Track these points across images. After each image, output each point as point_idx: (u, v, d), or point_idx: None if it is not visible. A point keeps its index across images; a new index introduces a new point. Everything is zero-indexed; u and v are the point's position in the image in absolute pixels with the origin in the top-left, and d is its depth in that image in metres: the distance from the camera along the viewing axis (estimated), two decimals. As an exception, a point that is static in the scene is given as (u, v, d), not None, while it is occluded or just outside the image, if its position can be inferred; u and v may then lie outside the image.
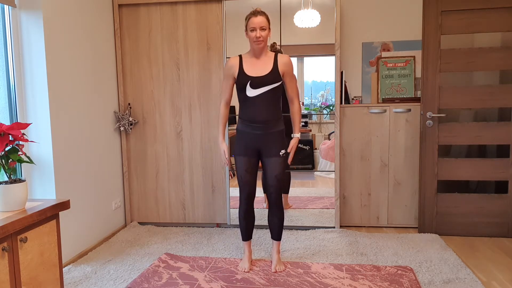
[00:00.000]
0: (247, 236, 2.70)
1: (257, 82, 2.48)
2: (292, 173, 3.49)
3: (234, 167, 2.73)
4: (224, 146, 2.64)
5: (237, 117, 3.38)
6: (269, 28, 2.51)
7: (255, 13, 2.47)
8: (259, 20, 2.45)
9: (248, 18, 2.48)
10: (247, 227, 2.68)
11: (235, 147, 2.63)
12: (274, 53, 2.58)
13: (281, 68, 2.52)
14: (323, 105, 3.45)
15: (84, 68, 3.00)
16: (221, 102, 2.66)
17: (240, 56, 2.58)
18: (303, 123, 3.46)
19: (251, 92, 2.50)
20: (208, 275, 2.55)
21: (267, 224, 3.46)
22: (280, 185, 2.61)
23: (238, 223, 3.46)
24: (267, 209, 3.51)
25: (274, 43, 3.35)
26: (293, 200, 3.50)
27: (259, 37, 2.44)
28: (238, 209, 2.76)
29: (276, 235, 2.68)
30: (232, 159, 3.12)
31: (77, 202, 2.92)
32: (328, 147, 3.44)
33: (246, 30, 2.50)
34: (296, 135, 2.63)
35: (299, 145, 3.49)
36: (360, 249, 2.96)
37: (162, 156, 3.55)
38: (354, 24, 3.64)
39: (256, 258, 2.82)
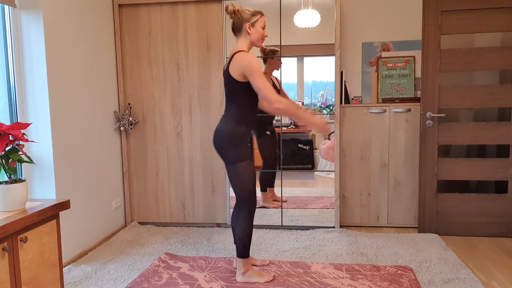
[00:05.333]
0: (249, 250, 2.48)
1: None
2: (292, 173, 3.49)
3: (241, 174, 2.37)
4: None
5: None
6: None
7: (262, 13, 2.41)
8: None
9: (259, 15, 2.38)
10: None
11: (240, 152, 2.33)
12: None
13: None
14: (323, 105, 3.45)
15: (84, 68, 3.00)
16: (275, 96, 2.24)
17: None
18: (303, 123, 3.46)
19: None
20: (208, 275, 2.55)
21: (266, 224, 3.48)
22: None
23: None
24: (264, 207, 3.54)
25: (265, 47, 3.36)
26: (293, 200, 3.50)
27: (266, 36, 2.43)
28: (243, 223, 2.41)
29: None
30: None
31: (77, 202, 2.92)
32: (328, 147, 3.44)
33: (253, 25, 2.36)
34: None
35: (299, 145, 3.49)
36: (360, 249, 2.96)
37: (162, 156, 3.55)
38: (354, 24, 3.64)
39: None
